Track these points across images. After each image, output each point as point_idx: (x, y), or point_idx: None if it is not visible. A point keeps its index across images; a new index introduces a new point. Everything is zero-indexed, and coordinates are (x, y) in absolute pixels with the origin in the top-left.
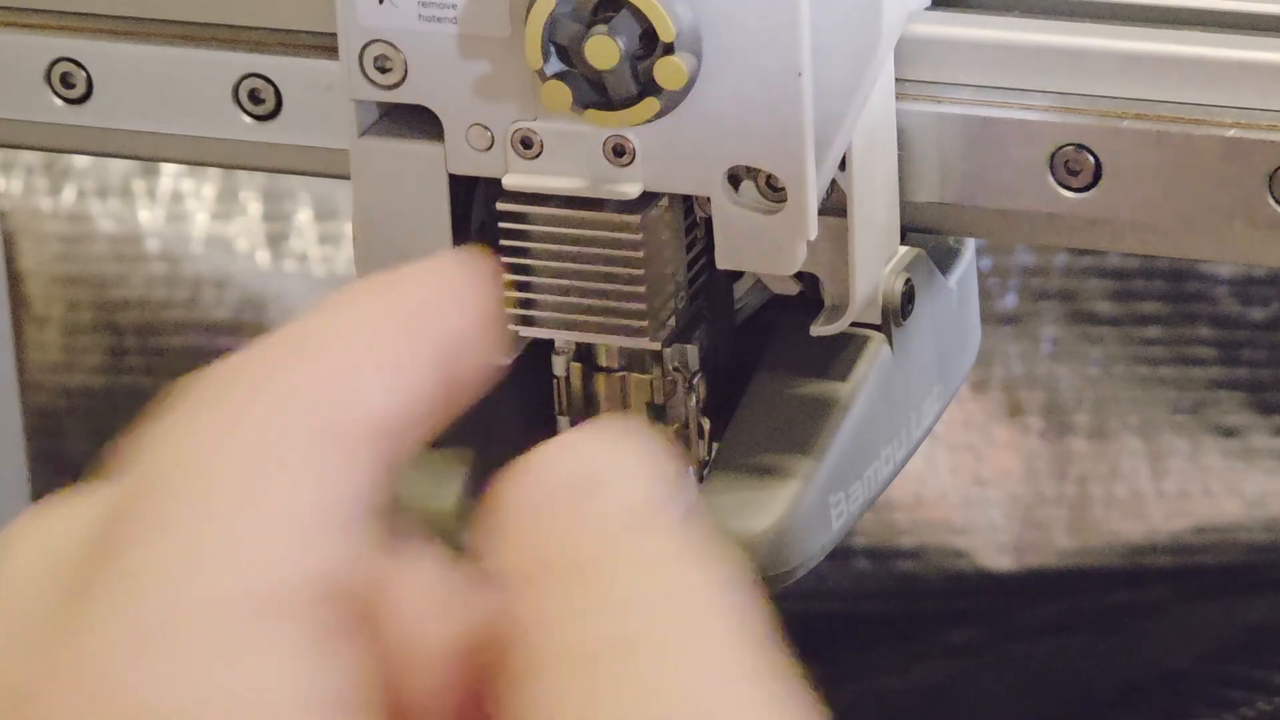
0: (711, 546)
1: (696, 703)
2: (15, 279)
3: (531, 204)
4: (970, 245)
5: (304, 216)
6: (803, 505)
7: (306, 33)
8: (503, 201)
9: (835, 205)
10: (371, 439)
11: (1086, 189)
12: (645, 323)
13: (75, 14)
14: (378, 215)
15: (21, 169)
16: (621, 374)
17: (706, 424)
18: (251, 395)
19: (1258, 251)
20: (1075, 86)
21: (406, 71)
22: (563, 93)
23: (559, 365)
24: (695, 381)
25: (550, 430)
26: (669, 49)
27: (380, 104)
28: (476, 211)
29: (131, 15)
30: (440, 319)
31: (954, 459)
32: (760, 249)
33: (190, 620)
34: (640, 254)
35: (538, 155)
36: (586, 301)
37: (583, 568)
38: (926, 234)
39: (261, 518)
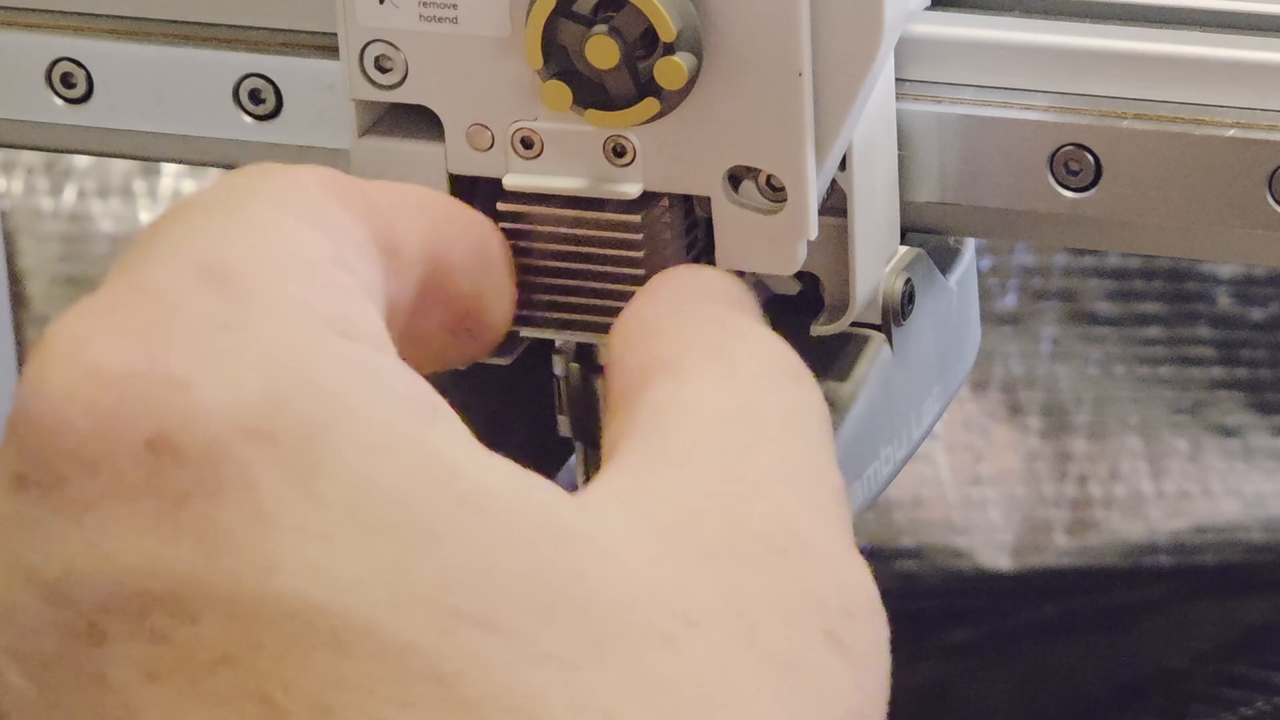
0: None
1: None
2: (15, 279)
3: (532, 204)
4: (970, 245)
5: None
6: None
7: (306, 33)
8: (503, 202)
9: (835, 205)
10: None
11: (1086, 189)
12: None
13: (75, 14)
14: None
15: (22, 169)
16: None
17: None
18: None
19: (1258, 251)
20: (1075, 86)
21: (407, 71)
22: (563, 93)
23: (559, 365)
24: None
25: (550, 430)
26: (669, 49)
27: (381, 104)
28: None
29: (131, 15)
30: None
31: (954, 459)
32: (760, 249)
33: None
34: (640, 254)
35: (538, 155)
36: (587, 301)
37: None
38: (926, 234)
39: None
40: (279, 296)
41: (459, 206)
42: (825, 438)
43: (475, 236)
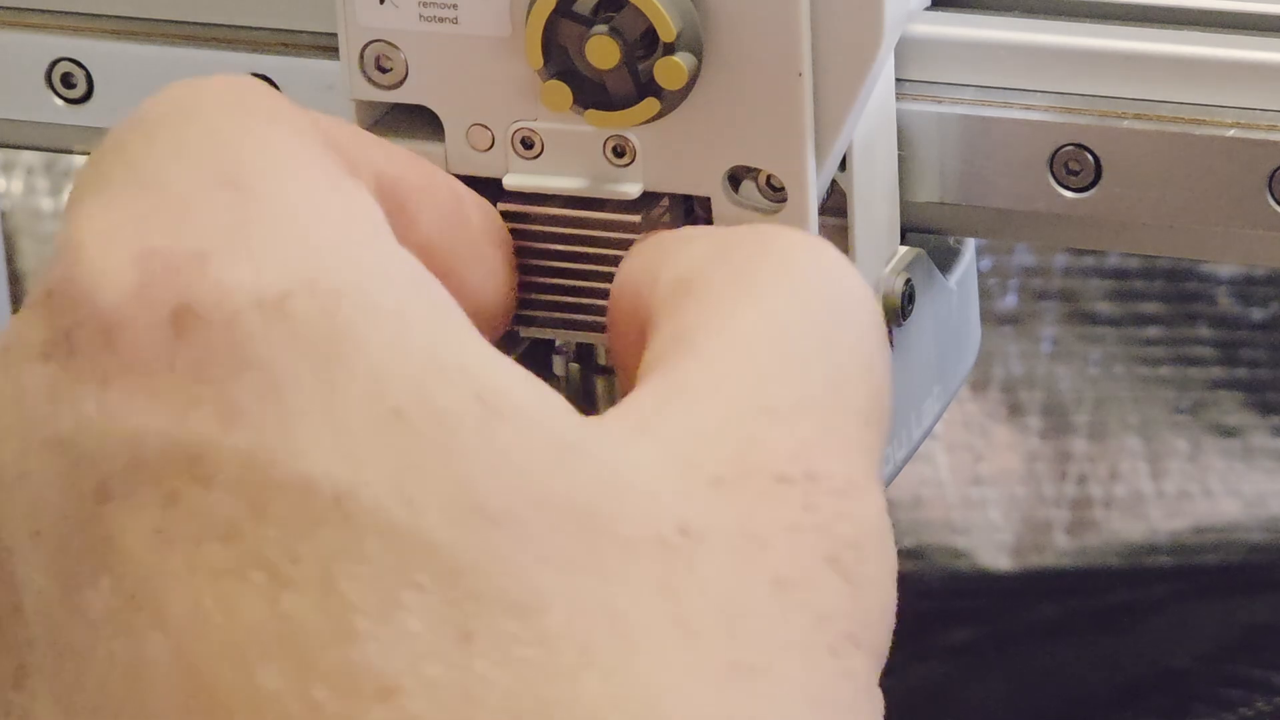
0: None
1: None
2: (15, 279)
3: (532, 204)
4: (970, 245)
5: None
6: None
7: (306, 33)
8: (503, 202)
9: (835, 205)
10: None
11: (1086, 189)
12: None
13: (75, 14)
14: None
15: (22, 169)
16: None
17: None
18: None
19: (1258, 251)
20: (1075, 86)
21: (407, 71)
22: (563, 93)
23: (559, 365)
24: None
25: None
26: (669, 49)
27: (381, 104)
28: None
29: (132, 15)
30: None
31: (954, 459)
32: None
33: None
34: None
35: (538, 155)
36: (587, 302)
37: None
38: (926, 234)
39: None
40: (291, 189)
41: (420, 159)
42: (861, 356)
43: (441, 190)
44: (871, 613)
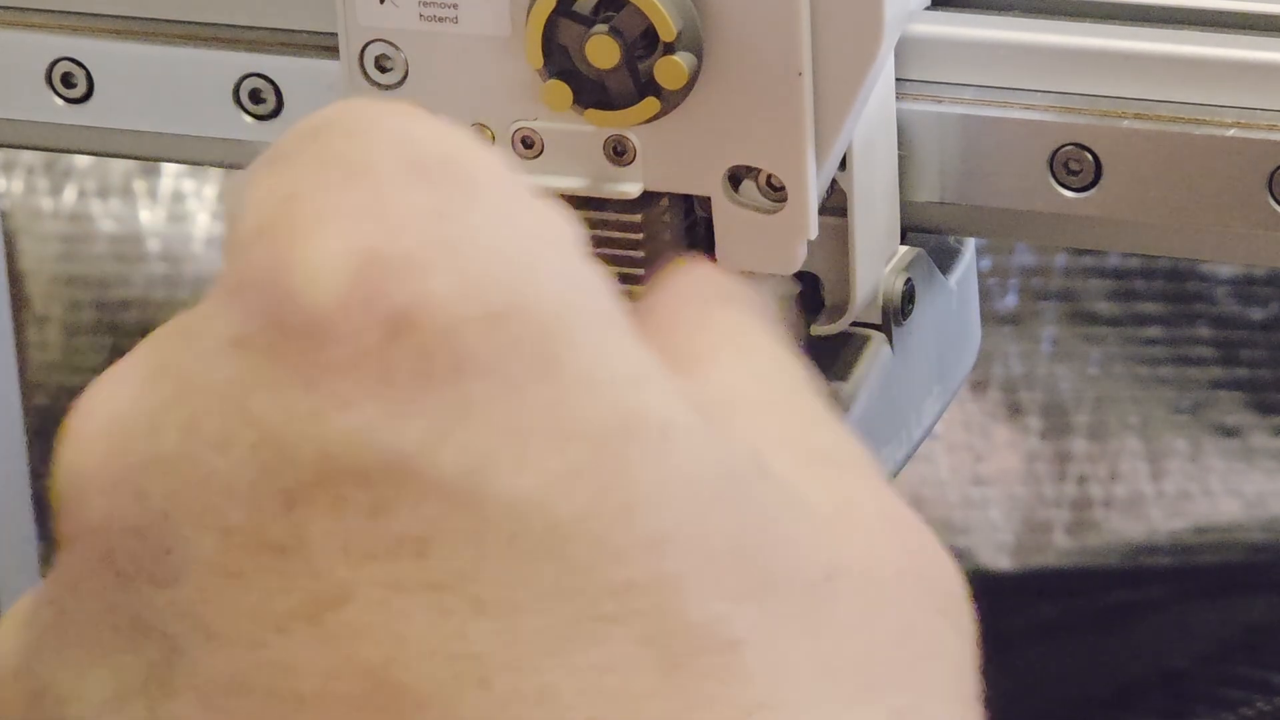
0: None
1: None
2: (16, 279)
3: None
4: (970, 245)
5: None
6: None
7: (307, 32)
8: None
9: (835, 205)
10: None
11: (1086, 189)
12: None
13: (75, 14)
14: None
15: (22, 169)
16: None
17: None
18: None
19: (1258, 251)
20: (1075, 86)
21: (407, 71)
22: (563, 92)
23: None
24: None
25: None
26: (669, 49)
27: None
28: None
29: (131, 15)
30: None
31: (954, 459)
32: (760, 248)
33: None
34: (641, 254)
35: (538, 155)
36: None
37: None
38: (927, 234)
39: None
40: (502, 197)
41: None
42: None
43: None
44: (970, 657)
